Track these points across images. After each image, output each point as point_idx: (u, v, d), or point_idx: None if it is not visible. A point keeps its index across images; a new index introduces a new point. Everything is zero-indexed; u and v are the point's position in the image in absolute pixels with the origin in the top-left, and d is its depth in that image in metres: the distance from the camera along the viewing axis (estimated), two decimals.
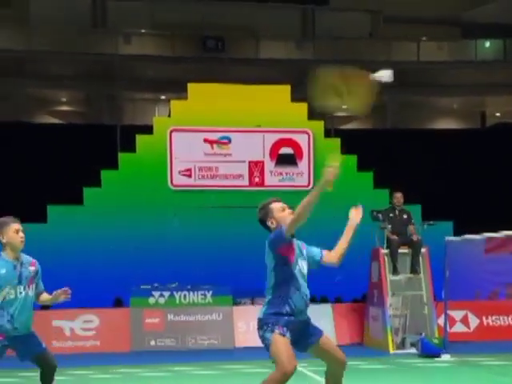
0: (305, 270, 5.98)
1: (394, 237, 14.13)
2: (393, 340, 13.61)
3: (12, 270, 6.48)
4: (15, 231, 6.53)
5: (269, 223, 5.89)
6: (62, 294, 6.74)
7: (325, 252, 6.12)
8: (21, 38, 26.71)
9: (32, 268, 6.63)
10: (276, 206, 5.94)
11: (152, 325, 14.53)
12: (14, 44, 26.35)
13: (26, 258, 6.67)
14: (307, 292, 5.95)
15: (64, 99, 29.83)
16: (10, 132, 21.54)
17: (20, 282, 6.49)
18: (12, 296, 6.44)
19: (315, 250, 6.14)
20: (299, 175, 17.07)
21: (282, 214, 5.88)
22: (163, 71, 28.43)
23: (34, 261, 6.73)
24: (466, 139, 24.49)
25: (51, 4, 27.84)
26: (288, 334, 5.69)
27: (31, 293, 6.59)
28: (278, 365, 5.53)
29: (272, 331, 5.67)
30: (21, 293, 6.49)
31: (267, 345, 5.71)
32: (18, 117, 26.10)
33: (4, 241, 6.55)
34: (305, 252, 6.03)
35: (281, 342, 5.61)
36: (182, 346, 14.42)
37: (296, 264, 5.85)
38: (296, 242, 5.94)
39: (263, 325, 5.79)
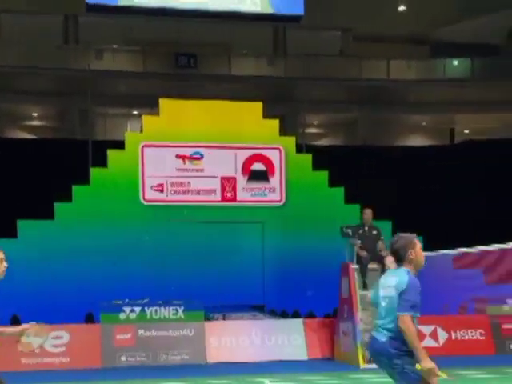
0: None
1: (364, 253, 14.29)
2: (363, 355, 13.71)
3: None
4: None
5: (408, 253, 6.21)
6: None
7: None
8: None
9: None
10: (419, 244, 6.29)
11: (123, 340, 14.45)
12: None
13: None
14: None
15: (35, 114, 29.74)
16: None
17: None
18: None
19: None
20: (271, 191, 17.17)
21: (422, 252, 6.28)
22: (135, 87, 28.49)
23: None
24: (436, 155, 24.84)
25: (23, 20, 27.81)
26: None
27: None
28: None
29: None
30: None
31: (412, 379, 6.08)
32: None
33: None
34: None
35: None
36: (154, 362, 14.36)
37: None
38: None
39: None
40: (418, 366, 6.05)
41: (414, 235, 6.37)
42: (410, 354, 6.02)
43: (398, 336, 6.03)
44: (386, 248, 14.43)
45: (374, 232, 14.64)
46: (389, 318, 6.13)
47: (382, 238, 14.63)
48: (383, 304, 6.24)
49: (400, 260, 6.19)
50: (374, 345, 6.27)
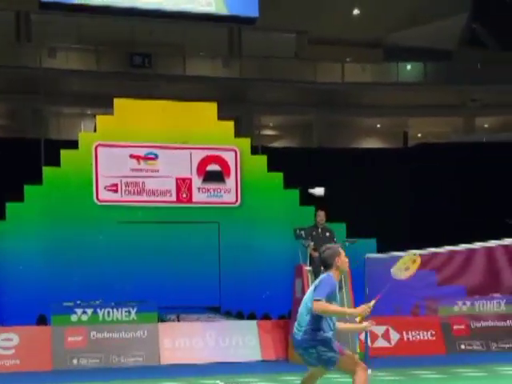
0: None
1: (317, 254, 14.35)
2: None
3: None
4: None
5: (335, 261, 7.16)
6: None
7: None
8: None
9: None
10: (343, 253, 7.28)
11: (74, 343, 14.28)
12: None
13: None
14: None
15: None
16: None
17: None
18: None
19: None
20: (227, 192, 17.15)
21: (345, 259, 7.27)
22: (89, 86, 28.18)
23: None
24: (390, 158, 25.10)
25: None
26: None
27: None
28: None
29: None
30: None
31: (329, 362, 6.95)
32: None
33: None
34: None
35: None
36: (106, 364, 14.22)
37: None
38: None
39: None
40: (358, 318, 7.20)
41: (339, 245, 7.65)
42: (321, 343, 6.86)
43: (310, 329, 6.87)
44: None
45: (328, 234, 14.74)
46: (303, 312, 7.00)
47: (335, 239, 14.74)
48: (304, 300, 7.14)
49: (327, 267, 7.16)
50: (294, 342, 7.10)
